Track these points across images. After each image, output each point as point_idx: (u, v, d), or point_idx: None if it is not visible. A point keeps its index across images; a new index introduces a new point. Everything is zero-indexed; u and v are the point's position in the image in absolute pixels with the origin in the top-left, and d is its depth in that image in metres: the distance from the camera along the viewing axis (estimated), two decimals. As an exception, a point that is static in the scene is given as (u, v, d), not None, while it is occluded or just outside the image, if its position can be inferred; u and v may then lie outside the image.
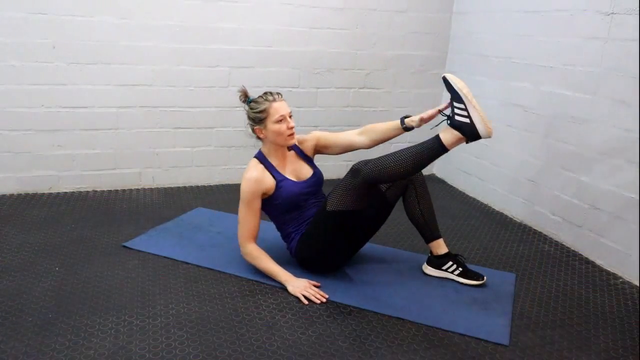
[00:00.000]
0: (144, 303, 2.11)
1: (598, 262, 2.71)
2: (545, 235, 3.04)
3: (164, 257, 2.52)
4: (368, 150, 2.53)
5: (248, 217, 2.31)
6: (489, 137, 2.00)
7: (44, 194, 3.30)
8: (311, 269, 2.40)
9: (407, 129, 2.36)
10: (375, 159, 2.15)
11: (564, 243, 2.93)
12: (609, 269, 2.65)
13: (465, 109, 1.91)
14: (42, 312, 2.01)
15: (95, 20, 3.15)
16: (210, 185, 3.63)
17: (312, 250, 2.35)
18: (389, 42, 3.79)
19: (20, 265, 2.37)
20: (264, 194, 2.32)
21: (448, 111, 2.14)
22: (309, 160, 2.52)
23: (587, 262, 2.73)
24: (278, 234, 2.51)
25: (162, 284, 2.27)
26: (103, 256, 2.50)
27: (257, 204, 2.31)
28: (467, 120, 1.91)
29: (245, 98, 2.37)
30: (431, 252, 2.47)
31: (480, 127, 1.92)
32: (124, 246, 2.61)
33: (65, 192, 3.34)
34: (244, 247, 2.35)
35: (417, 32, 3.84)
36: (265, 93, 2.33)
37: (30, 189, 3.30)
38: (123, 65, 3.27)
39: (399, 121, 2.36)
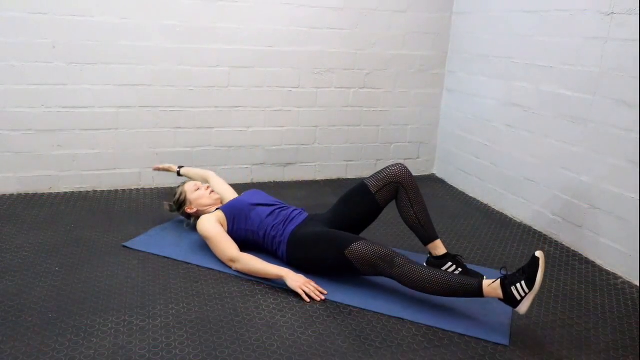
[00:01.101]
0: (144, 303, 2.11)
1: (598, 262, 2.71)
2: (545, 235, 3.04)
3: (164, 257, 2.52)
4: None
5: (222, 240, 2.44)
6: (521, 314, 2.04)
7: (44, 194, 3.30)
8: (306, 271, 2.40)
9: (179, 174, 3.13)
10: (415, 267, 2.13)
11: (564, 243, 2.93)
12: (609, 269, 2.65)
13: (525, 295, 1.96)
14: (42, 312, 2.01)
15: (95, 20, 3.15)
16: (210, 185, 3.63)
17: (303, 260, 2.38)
18: (389, 42, 3.79)
19: (20, 265, 2.37)
20: (222, 226, 2.51)
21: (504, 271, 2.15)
22: None
23: (587, 262, 2.73)
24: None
25: (162, 284, 2.27)
26: (103, 256, 2.50)
27: (223, 230, 2.48)
28: (518, 298, 1.97)
29: (171, 207, 2.83)
30: (430, 254, 2.46)
31: (522, 308, 1.98)
32: (124, 246, 2.61)
33: (65, 192, 3.34)
34: (232, 258, 2.37)
35: (417, 32, 3.84)
36: (173, 188, 2.99)
37: (30, 189, 3.30)
38: (123, 65, 3.27)
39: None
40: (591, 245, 2.76)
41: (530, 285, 1.95)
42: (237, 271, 2.37)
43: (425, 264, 2.47)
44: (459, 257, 2.45)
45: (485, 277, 2.37)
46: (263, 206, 2.57)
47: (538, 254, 1.96)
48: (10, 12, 3.00)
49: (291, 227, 2.46)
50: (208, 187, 2.78)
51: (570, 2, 2.83)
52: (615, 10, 2.58)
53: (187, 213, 2.77)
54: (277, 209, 2.58)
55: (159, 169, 3.20)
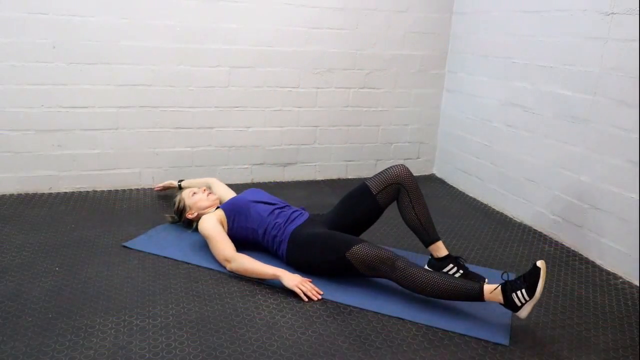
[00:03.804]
0: (144, 303, 2.11)
1: (598, 262, 2.71)
2: (545, 235, 3.04)
3: (164, 257, 2.52)
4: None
5: (220, 241, 2.43)
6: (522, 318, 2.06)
7: (44, 194, 3.30)
8: (304, 272, 2.40)
9: (180, 187, 3.19)
10: (416, 270, 2.14)
11: (564, 243, 2.93)
12: (609, 269, 2.65)
13: (526, 302, 2.00)
14: (42, 312, 2.01)
15: (95, 20, 3.15)
16: (210, 185, 3.63)
17: (303, 260, 2.39)
18: (389, 42, 3.79)
19: (20, 265, 2.37)
20: (222, 225, 2.53)
21: (506, 275, 2.17)
22: None
23: (587, 262, 2.73)
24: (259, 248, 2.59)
25: (162, 284, 2.27)
26: (103, 256, 2.50)
27: (222, 230, 2.50)
28: (519, 304, 2.01)
29: (173, 218, 2.89)
30: (432, 255, 2.46)
31: (522, 313, 2.02)
32: (124, 246, 2.61)
33: (65, 192, 3.34)
34: (228, 259, 2.36)
35: (417, 32, 3.84)
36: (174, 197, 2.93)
37: (30, 189, 3.30)
38: (123, 65, 3.27)
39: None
40: (591, 245, 2.76)
41: (531, 294, 1.98)
42: (232, 271, 2.36)
43: (426, 266, 2.47)
44: (460, 258, 2.44)
45: (486, 281, 2.37)
46: (263, 204, 2.58)
47: (539, 263, 1.99)
48: (10, 12, 3.00)
49: (292, 226, 2.46)
50: (205, 190, 2.81)
51: (570, 2, 2.83)
52: (615, 10, 2.58)
53: (188, 219, 2.78)
54: (277, 208, 2.58)
55: (160, 189, 3.31)
